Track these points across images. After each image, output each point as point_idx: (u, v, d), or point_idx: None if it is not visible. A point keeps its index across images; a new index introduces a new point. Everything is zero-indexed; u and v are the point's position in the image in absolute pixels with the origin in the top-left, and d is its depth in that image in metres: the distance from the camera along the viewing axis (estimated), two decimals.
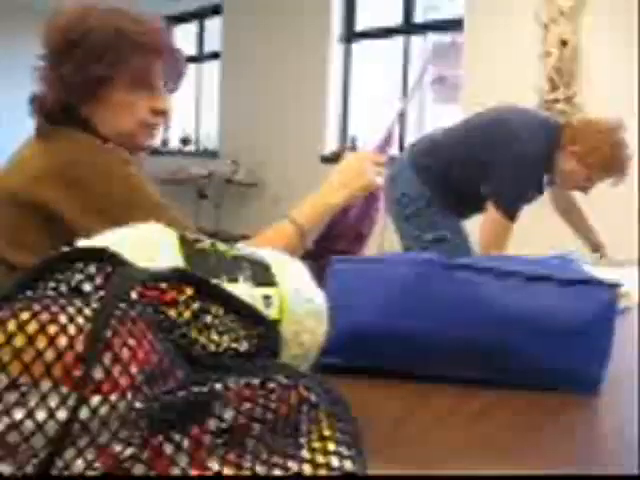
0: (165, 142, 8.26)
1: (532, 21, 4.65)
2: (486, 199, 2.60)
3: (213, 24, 7.70)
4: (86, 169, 1.25)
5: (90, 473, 0.44)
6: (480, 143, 2.58)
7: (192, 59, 7.75)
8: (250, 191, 6.82)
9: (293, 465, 0.49)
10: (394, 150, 1.35)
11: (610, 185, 2.60)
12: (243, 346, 0.58)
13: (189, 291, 0.57)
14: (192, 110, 8.15)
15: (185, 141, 7.97)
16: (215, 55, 7.59)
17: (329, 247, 1.24)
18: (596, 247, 2.93)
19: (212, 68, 7.72)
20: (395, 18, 5.94)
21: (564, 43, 4.51)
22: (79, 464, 0.44)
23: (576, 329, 0.88)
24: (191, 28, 7.95)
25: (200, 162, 7.40)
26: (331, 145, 6.17)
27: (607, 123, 2.54)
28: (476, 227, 2.80)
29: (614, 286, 0.90)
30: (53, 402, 0.45)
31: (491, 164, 2.52)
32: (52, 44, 1.32)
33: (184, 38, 7.63)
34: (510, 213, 2.51)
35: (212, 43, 7.73)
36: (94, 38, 1.28)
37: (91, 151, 1.28)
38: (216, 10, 7.46)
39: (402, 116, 1.42)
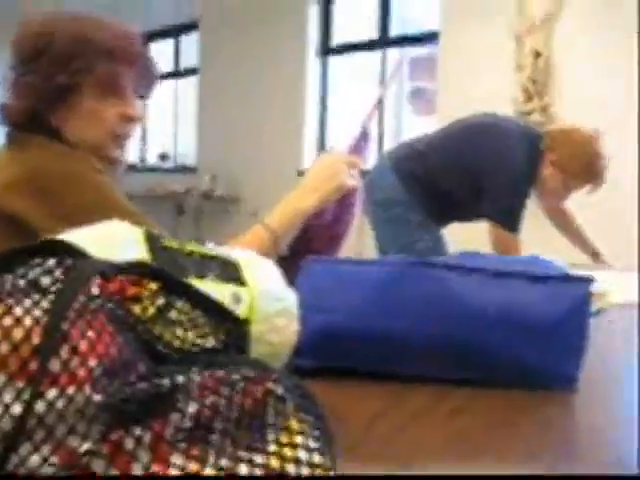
0: (143, 158, 8.24)
1: (506, 33, 4.69)
2: (475, 212, 2.63)
3: (190, 40, 7.70)
4: (56, 177, 1.23)
5: (47, 469, 0.42)
6: (463, 149, 2.60)
7: (169, 75, 7.74)
8: (229, 206, 6.81)
9: (259, 459, 0.47)
10: (371, 149, 1.32)
11: (586, 193, 2.63)
12: (210, 342, 0.57)
13: (153, 286, 0.56)
14: (170, 126, 8.13)
15: (163, 157, 7.95)
16: (192, 71, 7.59)
17: (303, 249, 1.22)
18: (594, 254, 2.97)
19: (189, 84, 7.71)
20: (371, 32, 5.97)
21: (537, 54, 4.55)
22: (35, 459, 0.42)
23: (550, 325, 0.87)
24: (168, 44, 7.94)
25: (178, 178, 7.37)
26: (309, 159, 6.17)
27: (584, 132, 2.57)
28: (455, 236, 2.80)
29: (587, 281, 0.90)
30: (8, 396, 0.43)
31: (481, 177, 2.54)
32: (19, 53, 1.31)
33: (161, 54, 7.62)
34: (513, 227, 2.56)
35: (189, 59, 7.73)
36: (59, 46, 1.27)
37: (61, 159, 1.27)
38: (193, 25, 7.46)
39: (380, 104, 1.37)
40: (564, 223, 3.03)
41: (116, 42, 1.30)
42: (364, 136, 1.29)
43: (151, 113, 7.73)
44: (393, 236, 2.68)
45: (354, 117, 6.14)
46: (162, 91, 7.71)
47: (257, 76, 6.61)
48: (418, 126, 5.95)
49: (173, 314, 0.56)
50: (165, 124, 8.09)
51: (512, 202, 2.55)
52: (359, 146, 1.28)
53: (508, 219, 2.55)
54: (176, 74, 7.87)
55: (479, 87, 4.76)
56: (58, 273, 0.51)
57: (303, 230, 1.25)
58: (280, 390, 0.50)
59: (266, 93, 6.53)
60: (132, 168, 7.73)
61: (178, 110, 8.06)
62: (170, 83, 7.85)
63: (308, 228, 1.25)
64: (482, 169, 2.54)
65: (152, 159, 8.17)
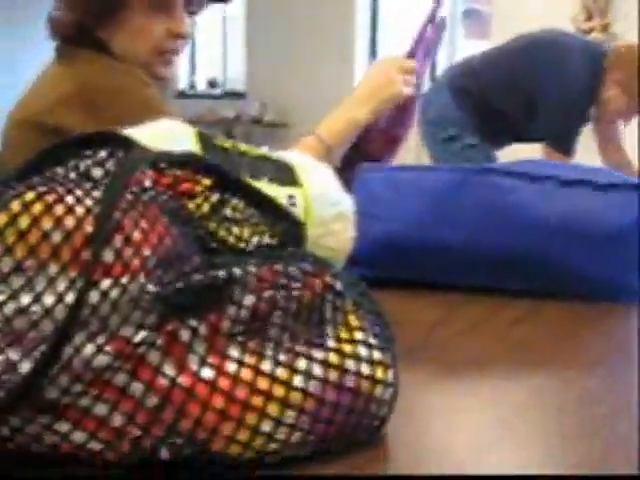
0: (192, 85, 8.20)
1: None
2: (529, 133, 2.54)
3: None
4: (104, 91, 1.22)
5: (101, 358, 0.41)
6: (518, 64, 2.49)
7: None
8: (278, 131, 6.76)
9: (318, 354, 0.46)
10: (430, 59, 1.23)
11: None
12: (265, 240, 0.55)
13: (207, 182, 0.54)
14: (219, 52, 8.05)
15: (212, 83, 7.90)
16: None
17: (357, 155, 1.18)
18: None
19: (238, 9, 7.59)
20: None
21: None
22: (89, 349, 0.41)
23: (614, 236, 0.84)
24: None
25: (228, 104, 7.33)
26: None
27: None
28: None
29: None
30: (61, 286, 0.42)
31: (537, 95, 2.44)
32: None
33: None
34: (567, 150, 2.45)
35: None
36: None
37: (109, 73, 1.25)
38: None
39: (437, 7, 1.24)
40: (616, 158, 2.85)
41: None
42: (421, 41, 1.21)
43: (200, 39, 7.65)
44: (446, 155, 2.62)
45: (406, 40, 5.98)
46: (211, 16, 7.61)
47: None
48: (471, 50, 5.78)
49: (227, 211, 0.54)
50: (214, 50, 8.02)
51: (567, 122, 2.45)
52: (416, 51, 1.21)
53: (562, 140, 2.46)
54: None
55: (536, 6, 4.58)
56: (110, 165, 0.50)
57: (358, 136, 1.20)
58: (339, 285, 0.49)
59: (316, 16, 6.39)
60: (181, 94, 7.70)
61: (227, 35, 7.96)
62: (219, 8, 7.73)
63: (362, 133, 1.19)
64: (537, 87, 2.43)
65: (201, 85, 8.13)
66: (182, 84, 8.01)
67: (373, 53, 6.24)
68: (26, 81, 1.35)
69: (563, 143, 2.46)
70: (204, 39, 7.74)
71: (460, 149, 2.57)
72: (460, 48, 5.96)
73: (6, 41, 7.04)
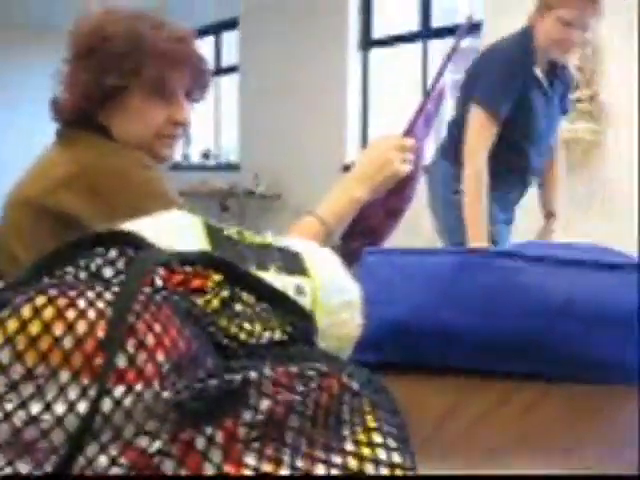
0: (186, 156, 8.28)
1: None
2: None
3: (230, 37, 7.71)
4: (106, 175, 1.23)
5: (115, 470, 0.40)
6: (474, 79, 2.61)
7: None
8: (272, 203, 6.80)
9: (337, 459, 0.44)
10: (431, 131, 1.24)
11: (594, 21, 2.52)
12: (277, 335, 0.54)
13: (217, 277, 0.53)
14: (212, 124, 8.16)
15: (206, 155, 7.98)
16: (233, 68, 7.60)
17: (358, 229, 1.18)
18: (549, 214, 2.86)
19: (231, 82, 7.73)
20: (412, 23, 5.91)
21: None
22: (102, 460, 0.40)
23: (625, 316, 0.83)
24: (208, 42, 7.97)
25: (222, 176, 7.39)
26: (352, 154, 6.13)
27: None
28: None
29: None
30: (73, 394, 0.41)
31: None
32: (73, 49, 1.31)
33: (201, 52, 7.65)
34: (495, 109, 2.47)
35: (230, 57, 7.74)
36: (111, 45, 1.26)
37: (110, 157, 1.26)
38: (233, 23, 7.48)
39: (436, 83, 1.22)
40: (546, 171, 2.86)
41: (169, 44, 1.28)
42: (420, 116, 1.21)
43: (193, 111, 7.76)
44: (450, 220, 2.64)
45: (396, 111, 6.06)
46: None
47: (297, 71, 6.59)
48: None
49: (238, 306, 0.53)
50: (207, 122, 8.12)
51: (492, 84, 2.49)
52: (414, 127, 1.21)
53: (485, 98, 2.49)
54: (217, 72, 7.89)
55: None
56: (120, 264, 0.49)
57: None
58: (355, 385, 0.47)
59: (307, 88, 6.50)
60: (175, 166, 7.77)
61: (220, 108, 8.08)
62: (212, 80, 7.87)
63: (362, 208, 1.19)
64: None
65: (195, 157, 8.21)
66: (176, 155, 8.09)
67: (364, 125, 6.32)
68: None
69: (492, 100, 2.48)
70: (197, 111, 7.85)
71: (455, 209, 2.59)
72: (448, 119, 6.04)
73: None
